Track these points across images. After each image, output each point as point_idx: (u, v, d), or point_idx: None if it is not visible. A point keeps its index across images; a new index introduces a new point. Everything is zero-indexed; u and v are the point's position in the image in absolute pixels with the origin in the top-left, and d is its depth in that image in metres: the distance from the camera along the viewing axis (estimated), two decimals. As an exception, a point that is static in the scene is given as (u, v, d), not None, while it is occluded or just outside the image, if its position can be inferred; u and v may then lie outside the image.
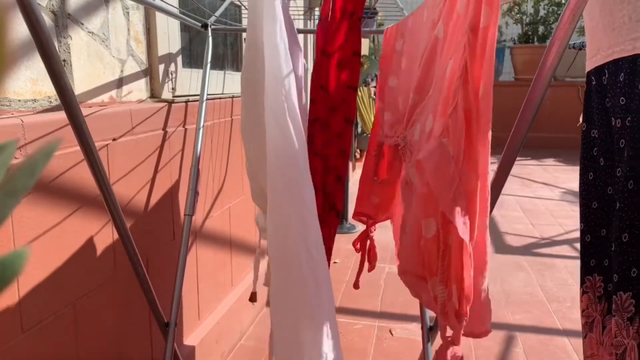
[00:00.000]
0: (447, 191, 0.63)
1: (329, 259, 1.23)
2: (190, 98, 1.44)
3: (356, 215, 1.17)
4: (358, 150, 4.97)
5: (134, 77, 1.21)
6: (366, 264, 1.22)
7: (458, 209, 0.62)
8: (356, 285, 1.22)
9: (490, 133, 0.63)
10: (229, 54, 1.93)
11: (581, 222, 0.89)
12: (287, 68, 0.80)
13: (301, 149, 0.80)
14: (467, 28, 0.62)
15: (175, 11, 1.33)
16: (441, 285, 0.66)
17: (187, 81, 1.48)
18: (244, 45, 2.01)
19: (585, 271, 0.89)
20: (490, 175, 0.66)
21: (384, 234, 1.38)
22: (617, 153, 0.80)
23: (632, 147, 0.77)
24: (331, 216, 1.12)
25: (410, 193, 0.82)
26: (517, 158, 0.73)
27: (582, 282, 0.90)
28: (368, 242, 1.19)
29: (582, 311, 0.91)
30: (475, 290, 0.65)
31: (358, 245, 1.20)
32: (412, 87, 0.86)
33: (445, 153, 0.63)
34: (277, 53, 0.79)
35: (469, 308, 0.64)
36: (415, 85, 0.82)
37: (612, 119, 0.81)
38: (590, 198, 0.87)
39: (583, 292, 0.90)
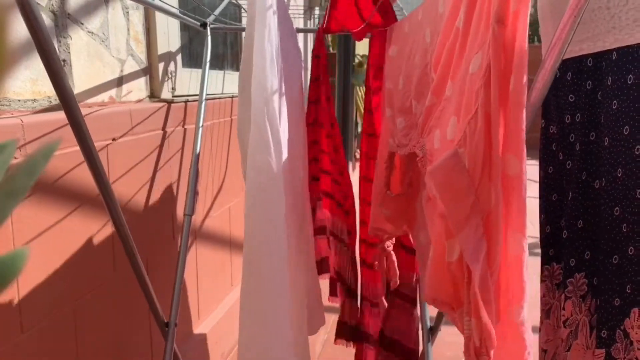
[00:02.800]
0: (459, 209, 0.55)
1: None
2: (190, 98, 1.44)
3: (372, 231, 1.10)
4: (358, 150, 4.96)
5: (133, 77, 1.21)
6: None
7: (471, 231, 0.55)
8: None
9: (523, 135, 0.55)
10: (229, 54, 1.93)
11: (541, 213, 0.94)
12: (270, 72, 0.81)
13: (277, 152, 0.82)
14: (492, 20, 0.55)
15: (175, 11, 1.32)
16: (467, 317, 0.58)
17: (186, 81, 1.47)
18: (243, 45, 2.01)
19: (545, 261, 0.93)
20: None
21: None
22: (568, 147, 0.87)
23: (582, 142, 0.84)
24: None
25: (434, 210, 0.74)
26: (518, 158, 0.72)
27: (542, 271, 0.94)
28: (386, 258, 1.10)
29: (541, 299, 0.94)
30: (508, 322, 0.58)
31: (376, 263, 1.12)
32: (429, 87, 0.78)
33: (459, 165, 0.56)
34: (263, 56, 0.81)
35: (492, 348, 0.56)
36: (434, 85, 0.73)
37: (564, 115, 0.87)
38: (550, 190, 0.92)
39: (542, 281, 0.94)
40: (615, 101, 0.78)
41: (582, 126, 0.84)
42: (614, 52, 0.78)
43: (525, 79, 0.55)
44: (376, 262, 1.12)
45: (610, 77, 0.79)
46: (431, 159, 0.75)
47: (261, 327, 0.82)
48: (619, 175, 0.78)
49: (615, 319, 0.78)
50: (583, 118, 0.84)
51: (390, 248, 1.11)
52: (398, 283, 1.12)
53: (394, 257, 1.11)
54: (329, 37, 3.91)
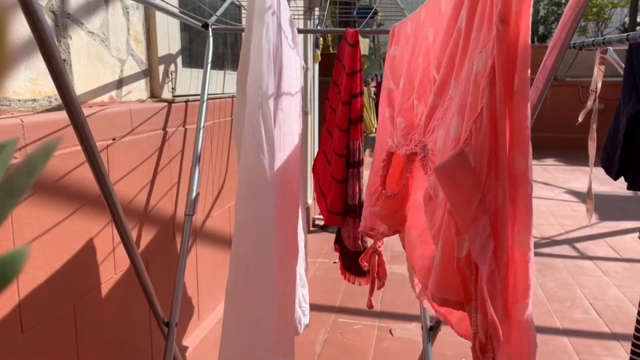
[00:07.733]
0: (466, 207, 0.56)
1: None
2: (190, 98, 1.44)
3: (365, 230, 1.11)
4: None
5: (133, 77, 1.21)
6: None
7: (478, 229, 0.56)
8: (370, 305, 1.16)
9: (528, 132, 0.56)
10: (229, 54, 1.93)
11: None
12: (267, 72, 0.80)
13: (270, 152, 0.81)
14: (496, 19, 0.55)
15: (175, 11, 1.32)
16: (475, 313, 0.59)
17: (187, 81, 1.47)
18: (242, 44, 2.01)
19: None
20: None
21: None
22: None
23: None
24: None
25: (435, 208, 0.75)
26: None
27: None
28: (377, 257, 1.12)
29: None
30: (514, 319, 0.59)
31: (366, 262, 1.13)
32: (430, 87, 0.79)
33: (465, 163, 0.57)
34: (260, 57, 0.80)
35: (498, 345, 0.56)
36: (436, 85, 0.74)
37: None
38: None
39: None
40: None
41: None
42: None
43: (528, 77, 0.55)
44: (365, 263, 1.13)
45: None
46: (434, 158, 0.74)
47: (244, 325, 0.81)
48: None
49: None
50: None
51: (381, 248, 1.12)
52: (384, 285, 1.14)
53: (384, 258, 1.13)
54: (329, 37, 3.90)
